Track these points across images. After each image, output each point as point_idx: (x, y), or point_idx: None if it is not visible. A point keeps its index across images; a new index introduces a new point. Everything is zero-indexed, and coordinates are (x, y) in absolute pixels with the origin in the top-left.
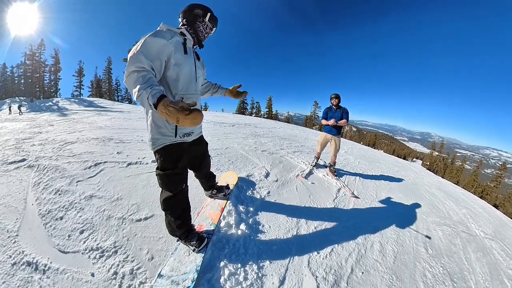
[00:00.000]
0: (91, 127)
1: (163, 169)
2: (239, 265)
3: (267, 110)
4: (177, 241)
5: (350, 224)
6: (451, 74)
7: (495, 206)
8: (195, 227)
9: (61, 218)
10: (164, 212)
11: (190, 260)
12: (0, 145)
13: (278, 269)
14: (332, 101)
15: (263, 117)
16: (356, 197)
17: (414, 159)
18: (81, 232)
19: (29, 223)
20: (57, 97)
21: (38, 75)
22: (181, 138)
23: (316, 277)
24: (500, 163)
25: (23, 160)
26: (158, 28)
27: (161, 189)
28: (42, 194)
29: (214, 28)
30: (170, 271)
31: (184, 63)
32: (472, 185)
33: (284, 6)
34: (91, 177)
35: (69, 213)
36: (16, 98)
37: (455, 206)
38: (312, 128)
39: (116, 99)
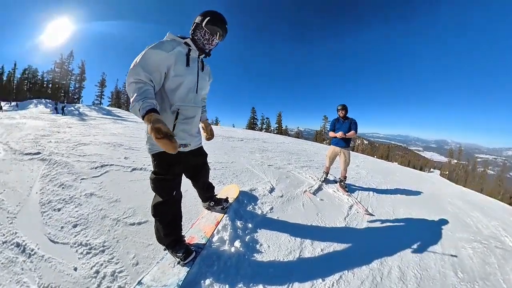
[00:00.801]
0: (105, 133)
1: (155, 173)
2: (227, 286)
3: (277, 125)
4: (164, 250)
5: (363, 246)
6: (462, 76)
7: None
8: (186, 239)
9: (59, 210)
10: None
11: (173, 272)
12: (21, 138)
13: None
14: (339, 112)
15: (273, 133)
16: (371, 214)
17: (432, 170)
18: (74, 226)
19: (29, 209)
20: (79, 103)
21: (64, 82)
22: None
23: None
24: None
25: (38, 153)
26: (164, 38)
27: (154, 194)
28: (48, 185)
29: (217, 35)
30: (151, 280)
31: (185, 75)
32: (499, 192)
33: (292, 19)
34: (96, 176)
35: (67, 206)
36: (42, 99)
37: (484, 218)
38: (323, 143)
39: None
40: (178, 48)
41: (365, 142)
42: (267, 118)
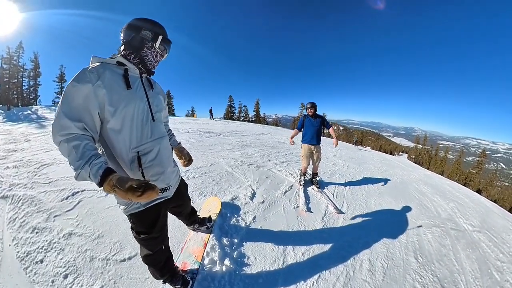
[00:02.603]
0: None
1: (137, 232)
2: None
3: (255, 113)
4: (162, 283)
5: (339, 244)
6: (427, 70)
7: (479, 191)
8: (179, 265)
9: (42, 261)
10: None
11: None
12: None
13: None
14: (308, 111)
15: (251, 120)
16: (341, 212)
17: (400, 153)
18: (65, 277)
19: (9, 267)
20: (36, 105)
21: (15, 80)
22: (155, 201)
23: None
24: (480, 151)
25: None
26: (89, 64)
27: None
28: (19, 232)
29: (166, 53)
30: None
31: (129, 102)
32: (456, 173)
33: (270, 3)
34: (69, 210)
35: (49, 255)
36: None
37: (443, 201)
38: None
39: None
40: (107, 74)
41: (341, 128)
42: (244, 106)
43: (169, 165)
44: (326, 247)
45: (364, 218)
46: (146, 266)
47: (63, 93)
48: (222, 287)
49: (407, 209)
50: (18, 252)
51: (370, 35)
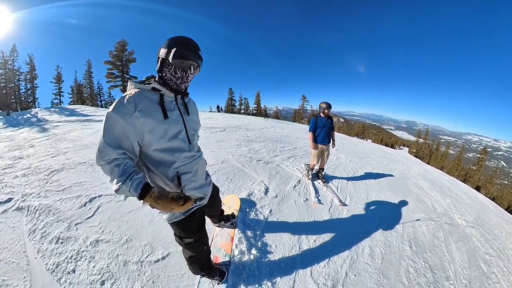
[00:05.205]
0: (75, 147)
1: (180, 238)
2: (257, 285)
3: (256, 106)
4: (200, 276)
5: (344, 232)
6: (433, 64)
7: (478, 188)
8: (212, 258)
9: (74, 271)
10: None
11: None
12: None
13: (288, 282)
14: (325, 111)
15: (252, 113)
16: (345, 204)
17: (401, 147)
18: (102, 283)
19: (40, 280)
20: (35, 108)
21: (12, 84)
22: (194, 208)
23: (318, 284)
24: (481, 148)
25: (9, 200)
26: (127, 89)
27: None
28: (42, 244)
29: (191, 69)
30: None
31: (168, 130)
32: (456, 169)
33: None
34: (90, 217)
35: (80, 264)
36: None
37: (440, 197)
38: (301, 122)
39: (99, 104)
40: (144, 103)
41: (341, 120)
42: (245, 98)
43: (202, 178)
44: (333, 235)
45: (365, 210)
46: (183, 262)
47: (104, 121)
48: (253, 272)
49: (404, 203)
50: (46, 264)
51: (371, 27)
